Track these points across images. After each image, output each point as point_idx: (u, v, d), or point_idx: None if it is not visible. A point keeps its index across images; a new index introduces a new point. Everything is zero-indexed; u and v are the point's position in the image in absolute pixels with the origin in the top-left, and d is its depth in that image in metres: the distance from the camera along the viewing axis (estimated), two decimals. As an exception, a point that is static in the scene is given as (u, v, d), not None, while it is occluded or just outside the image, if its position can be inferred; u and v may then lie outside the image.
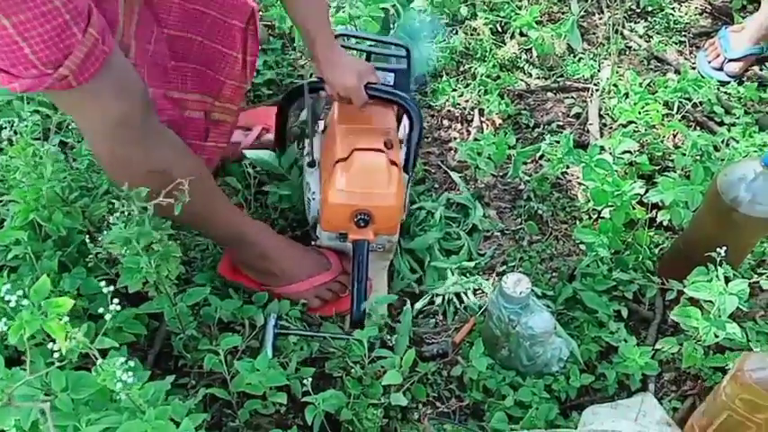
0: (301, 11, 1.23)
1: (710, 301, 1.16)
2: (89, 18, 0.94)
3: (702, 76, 1.80)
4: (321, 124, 1.44)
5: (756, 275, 1.35)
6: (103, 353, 0.86)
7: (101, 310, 0.79)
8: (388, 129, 1.31)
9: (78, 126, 1.13)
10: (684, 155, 1.55)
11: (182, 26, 1.25)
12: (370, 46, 1.47)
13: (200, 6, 1.25)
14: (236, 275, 1.35)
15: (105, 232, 1.02)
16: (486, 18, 1.91)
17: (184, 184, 0.99)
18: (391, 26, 1.74)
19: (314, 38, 1.24)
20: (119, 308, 0.79)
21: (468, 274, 1.44)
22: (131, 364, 0.79)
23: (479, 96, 1.77)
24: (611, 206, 1.42)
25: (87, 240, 1.05)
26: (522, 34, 1.90)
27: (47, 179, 1.14)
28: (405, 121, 1.41)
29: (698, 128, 1.72)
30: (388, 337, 1.30)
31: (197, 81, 1.32)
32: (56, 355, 0.77)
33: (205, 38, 1.28)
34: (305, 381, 1.11)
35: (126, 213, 1.00)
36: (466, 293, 1.41)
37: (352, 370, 1.23)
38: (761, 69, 1.85)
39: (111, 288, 0.81)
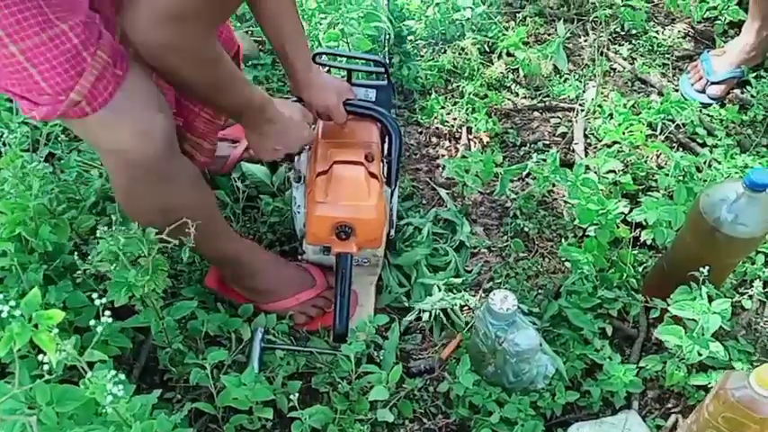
0: (278, 33, 1.23)
1: (694, 320, 1.18)
2: (98, 41, 0.92)
3: (685, 98, 1.84)
4: None
5: (738, 295, 1.37)
6: (90, 366, 0.85)
7: (92, 323, 0.79)
8: (370, 142, 1.32)
9: (99, 156, 1.11)
10: (668, 175, 1.57)
11: None
12: (349, 63, 1.49)
13: None
14: (222, 289, 1.35)
15: (94, 248, 1.02)
16: (474, 38, 1.94)
17: (191, 228, 1.00)
18: (385, 45, 1.76)
19: (292, 60, 1.25)
20: (110, 320, 0.78)
21: (455, 291, 1.44)
22: (121, 377, 0.79)
23: (467, 114, 1.79)
24: (597, 224, 1.44)
25: (76, 258, 1.04)
26: (509, 54, 1.93)
27: (33, 194, 1.13)
28: None
29: (681, 149, 1.75)
30: (375, 353, 1.30)
31: (175, 104, 1.32)
32: (45, 367, 0.76)
33: None
34: (291, 396, 1.11)
35: (113, 229, 1.00)
36: (453, 310, 1.41)
37: (339, 385, 1.23)
38: (742, 92, 1.89)
39: (104, 300, 0.81)
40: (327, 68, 1.45)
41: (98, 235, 1.01)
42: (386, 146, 1.37)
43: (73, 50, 0.89)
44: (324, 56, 1.40)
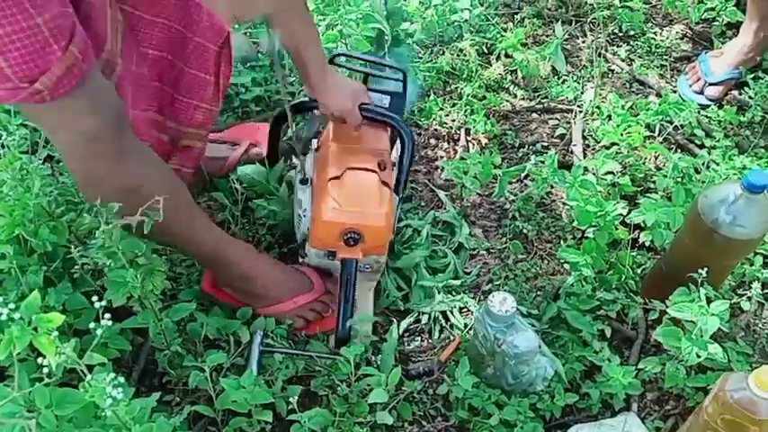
0: (292, 35, 1.23)
1: (692, 322, 1.18)
2: (72, 36, 0.92)
3: (683, 100, 1.84)
4: (315, 142, 1.45)
5: (737, 296, 1.37)
6: (89, 368, 0.85)
7: (91, 326, 0.78)
8: (382, 150, 1.32)
9: (51, 141, 1.11)
10: (666, 176, 1.58)
11: (165, 47, 1.23)
12: (366, 67, 1.48)
13: (183, 29, 1.22)
14: (218, 293, 1.34)
15: (92, 242, 1.02)
16: (472, 40, 1.94)
17: (158, 202, 0.98)
18: (385, 47, 1.76)
19: (306, 61, 1.24)
20: (110, 323, 0.78)
21: (454, 293, 1.44)
22: (120, 380, 0.78)
23: (466, 116, 1.79)
24: (595, 226, 1.44)
25: (74, 250, 1.04)
26: (507, 56, 1.93)
27: (33, 194, 1.13)
28: (398, 142, 1.43)
29: (679, 150, 1.76)
30: (373, 358, 1.30)
31: (172, 108, 1.31)
32: (45, 370, 0.76)
33: (185, 64, 1.26)
34: (291, 399, 1.11)
35: (111, 228, 1.00)
36: (452, 312, 1.41)
37: (338, 388, 1.23)
38: (740, 93, 1.89)
39: (103, 303, 0.81)
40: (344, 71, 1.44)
41: (97, 234, 1.01)
42: (394, 152, 1.37)
43: (43, 42, 0.89)
44: (343, 57, 1.39)
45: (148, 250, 1.06)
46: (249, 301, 1.33)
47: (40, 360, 0.77)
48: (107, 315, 0.79)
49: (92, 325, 0.79)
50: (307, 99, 1.31)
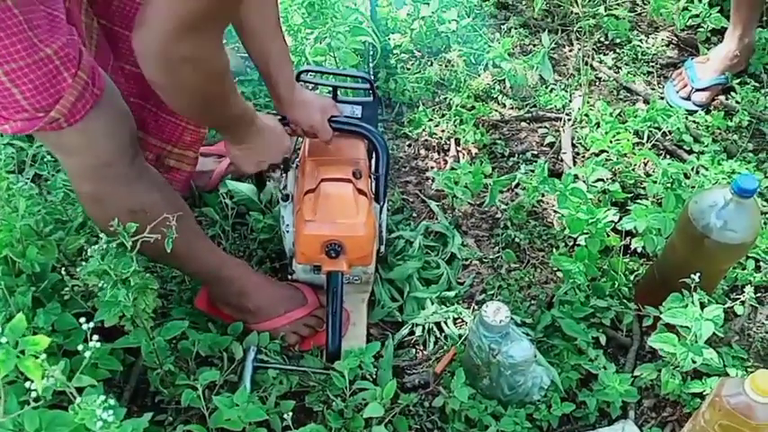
0: (262, 52, 1.23)
1: (687, 327, 1.18)
2: (79, 61, 0.94)
3: (671, 106, 1.85)
4: (295, 159, 1.45)
5: (730, 300, 1.37)
6: (79, 390, 0.84)
7: (80, 347, 0.77)
8: (357, 159, 1.31)
9: (63, 164, 1.12)
10: (656, 182, 1.58)
11: None
12: (335, 80, 1.48)
13: None
14: (212, 309, 1.33)
15: (83, 264, 1.01)
16: (460, 50, 1.95)
17: (167, 223, 0.99)
18: (369, 59, 1.76)
19: (275, 79, 1.24)
20: (98, 344, 0.77)
21: (447, 304, 1.44)
22: (111, 402, 0.77)
23: (455, 126, 1.79)
24: (587, 233, 1.44)
25: (63, 273, 1.04)
26: (495, 66, 1.94)
27: (20, 215, 1.12)
28: None
29: (668, 156, 1.76)
30: (368, 372, 1.28)
31: (155, 125, 1.32)
32: (32, 394, 0.75)
33: None
34: (285, 415, 1.09)
35: (103, 246, 0.99)
36: (446, 323, 1.41)
37: (333, 403, 1.21)
38: (726, 99, 1.90)
39: (92, 324, 0.80)
40: (313, 86, 1.44)
41: (89, 252, 1.00)
42: (373, 162, 1.37)
43: (54, 71, 0.91)
44: (309, 73, 1.39)
45: (140, 269, 1.05)
46: (243, 318, 1.32)
47: (27, 384, 0.76)
48: (95, 337, 0.78)
49: (80, 347, 0.78)
50: (277, 118, 1.31)
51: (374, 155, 1.35)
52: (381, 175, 1.33)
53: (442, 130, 1.80)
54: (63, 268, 1.07)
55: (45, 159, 1.47)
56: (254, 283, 1.32)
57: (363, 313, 1.40)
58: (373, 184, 1.34)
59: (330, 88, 1.39)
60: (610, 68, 2.00)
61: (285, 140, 1.27)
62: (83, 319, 0.81)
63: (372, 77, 1.38)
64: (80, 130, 0.98)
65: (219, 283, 1.28)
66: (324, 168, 1.27)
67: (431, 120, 1.82)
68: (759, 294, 1.47)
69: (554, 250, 1.55)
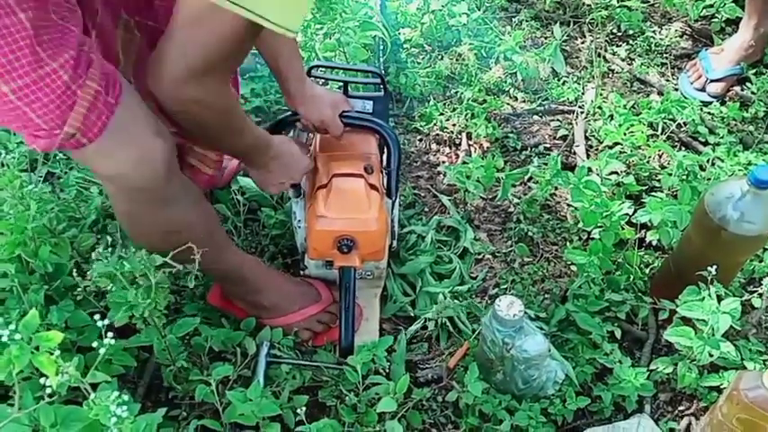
0: (271, 48, 1.22)
1: (704, 320, 1.16)
2: (88, 70, 0.91)
3: (685, 97, 1.83)
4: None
5: (747, 293, 1.35)
6: (93, 386, 0.84)
7: (94, 344, 0.77)
8: (369, 154, 1.31)
9: (102, 183, 1.13)
10: (671, 175, 1.56)
11: None
12: (346, 75, 1.48)
13: None
14: (225, 304, 1.34)
15: (93, 266, 1.01)
16: (470, 44, 1.93)
17: (195, 248, 1.00)
18: (379, 54, 1.76)
19: (286, 75, 1.24)
20: (113, 341, 0.77)
21: (460, 298, 1.43)
22: (125, 397, 0.77)
23: (467, 120, 1.78)
24: (601, 227, 1.43)
25: (75, 274, 1.04)
26: (506, 59, 1.92)
27: (31, 216, 1.12)
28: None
29: (683, 148, 1.74)
30: (381, 367, 1.28)
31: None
32: (47, 390, 0.75)
33: None
34: (298, 410, 1.09)
35: (111, 246, 0.99)
36: (459, 317, 1.40)
37: (347, 398, 1.21)
38: (742, 89, 1.88)
39: (106, 321, 0.80)
40: (324, 82, 1.44)
41: (94, 256, 1.00)
42: (385, 157, 1.36)
43: (63, 87, 0.89)
44: (319, 69, 1.39)
45: (152, 268, 1.05)
46: (257, 313, 1.32)
47: (42, 380, 0.76)
48: (110, 333, 0.78)
49: (95, 343, 0.78)
50: (288, 114, 1.30)
51: (386, 149, 1.34)
52: (393, 170, 1.33)
53: (454, 125, 1.79)
54: (76, 269, 1.07)
55: (57, 157, 1.48)
56: (268, 280, 1.32)
57: (376, 308, 1.39)
58: (385, 180, 1.34)
59: (341, 83, 1.39)
60: (623, 60, 1.98)
61: (303, 161, 1.27)
62: (97, 316, 0.81)
63: (383, 72, 1.38)
64: (103, 151, 0.95)
65: (235, 282, 1.29)
66: (335, 164, 1.26)
67: (442, 114, 1.81)
68: (776, 287, 1.45)
69: (568, 244, 1.54)
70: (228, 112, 1.02)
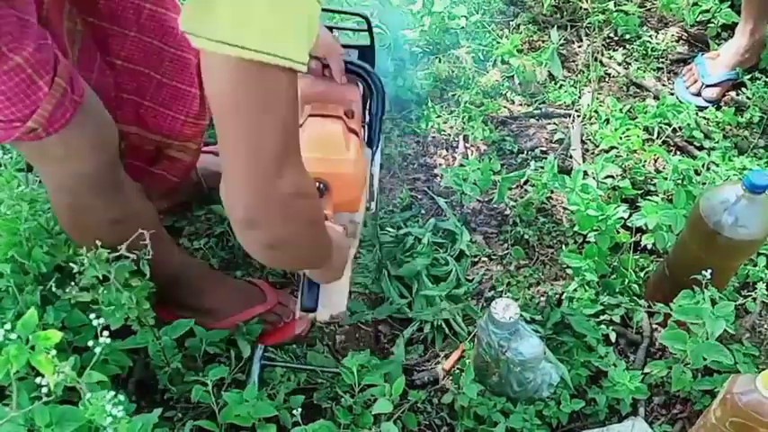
0: None
1: (698, 324, 1.17)
2: (55, 68, 0.90)
3: (681, 102, 1.84)
4: None
5: (741, 297, 1.36)
6: (88, 386, 0.84)
7: (90, 344, 0.77)
8: (350, 100, 1.21)
9: (41, 174, 1.10)
10: (666, 179, 1.57)
11: (139, 60, 1.20)
12: (330, 21, 1.36)
13: (158, 41, 1.20)
14: (170, 316, 1.27)
15: (77, 277, 1.01)
16: (468, 47, 1.94)
17: (146, 237, 0.98)
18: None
19: None
20: (108, 340, 0.77)
21: (456, 301, 1.43)
22: (120, 398, 0.77)
23: (463, 123, 1.79)
24: (596, 230, 1.43)
25: (53, 287, 1.04)
26: (503, 62, 1.93)
27: (24, 218, 1.12)
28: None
29: (678, 152, 1.75)
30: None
31: (153, 121, 1.29)
32: (44, 389, 0.75)
33: (164, 76, 1.24)
34: (294, 411, 1.10)
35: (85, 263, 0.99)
36: (455, 320, 1.40)
37: (342, 399, 1.21)
38: (737, 94, 1.89)
39: (102, 321, 0.80)
40: None
41: (82, 262, 1.00)
42: (369, 105, 1.26)
43: (28, 80, 0.87)
44: None
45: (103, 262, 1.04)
46: (202, 319, 1.28)
47: (38, 379, 0.76)
48: (105, 333, 0.78)
49: (90, 343, 0.78)
50: None
51: (369, 100, 1.25)
52: (376, 118, 1.22)
53: (451, 127, 1.79)
54: (72, 269, 1.07)
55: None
56: (210, 282, 1.32)
57: (348, 269, 1.24)
58: (367, 137, 1.25)
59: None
60: (619, 64, 1.99)
61: (348, 248, 1.18)
62: (92, 315, 0.81)
63: (369, 16, 1.27)
64: (61, 140, 0.94)
65: (178, 284, 1.27)
66: (313, 105, 1.17)
67: (439, 116, 1.81)
68: (771, 291, 1.46)
69: (563, 247, 1.54)
70: (317, 197, 0.92)
